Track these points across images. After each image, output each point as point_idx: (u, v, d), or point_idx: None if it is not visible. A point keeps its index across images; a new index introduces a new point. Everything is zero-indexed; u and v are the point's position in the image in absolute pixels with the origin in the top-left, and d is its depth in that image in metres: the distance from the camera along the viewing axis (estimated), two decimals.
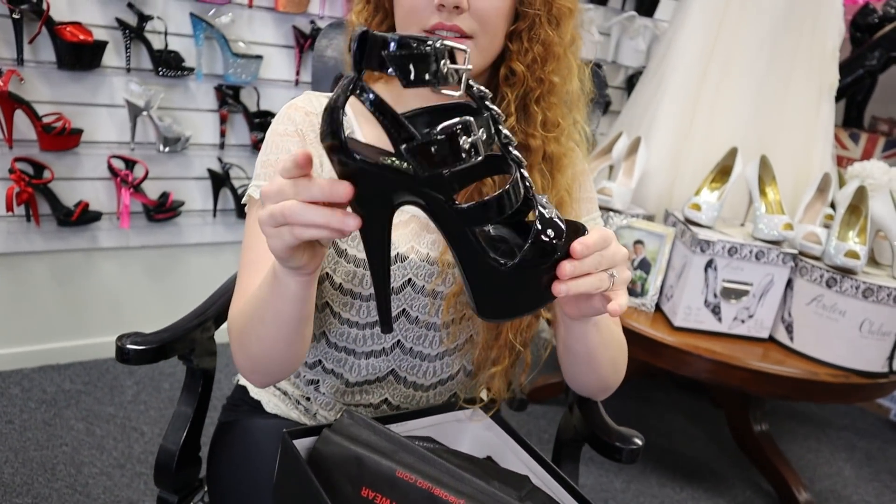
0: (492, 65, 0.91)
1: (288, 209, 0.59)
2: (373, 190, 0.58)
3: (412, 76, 0.54)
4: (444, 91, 0.56)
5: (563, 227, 0.64)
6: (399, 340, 0.96)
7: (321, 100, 0.96)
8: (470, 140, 0.55)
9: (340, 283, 0.92)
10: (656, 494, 2.18)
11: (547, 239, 0.62)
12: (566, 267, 0.64)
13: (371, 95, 0.56)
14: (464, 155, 0.56)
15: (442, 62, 0.55)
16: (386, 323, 0.67)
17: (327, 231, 0.59)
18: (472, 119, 0.56)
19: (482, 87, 0.60)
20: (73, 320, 2.35)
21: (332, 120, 0.56)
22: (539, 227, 0.62)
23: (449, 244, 0.63)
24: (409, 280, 0.92)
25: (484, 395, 1.03)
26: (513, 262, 0.62)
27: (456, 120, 0.56)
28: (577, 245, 0.64)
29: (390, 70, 0.53)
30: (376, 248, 0.62)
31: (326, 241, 0.67)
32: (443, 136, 0.55)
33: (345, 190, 0.57)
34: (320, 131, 0.57)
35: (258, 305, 0.78)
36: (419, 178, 0.57)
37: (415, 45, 0.54)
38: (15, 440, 1.95)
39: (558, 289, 0.64)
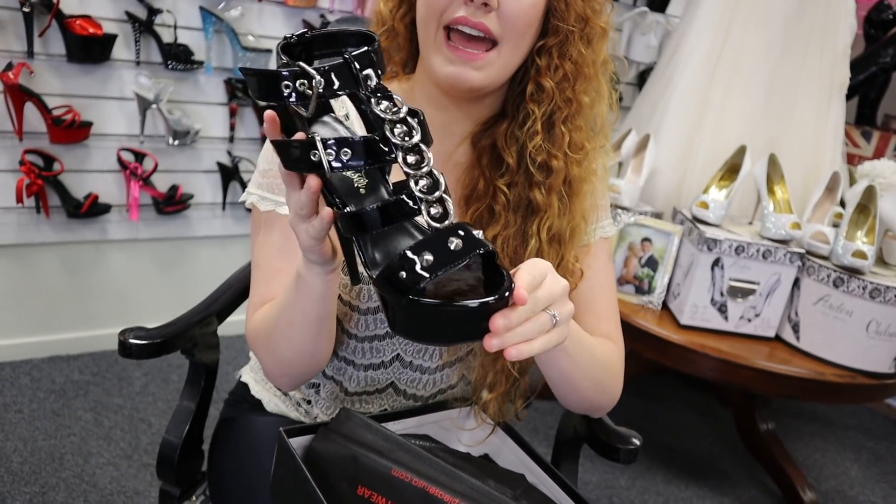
0: (512, 79, 0.89)
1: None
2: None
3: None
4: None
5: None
6: (398, 354, 0.96)
7: None
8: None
9: (340, 294, 0.92)
10: (661, 492, 2.18)
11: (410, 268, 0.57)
12: (499, 322, 0.58)
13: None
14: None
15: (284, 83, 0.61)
16: (354, 276, 0.74)
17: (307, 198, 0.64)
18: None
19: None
20: (82, 311, 2.37)
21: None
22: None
23: None
24: None
25: (483, 416, 1.00)
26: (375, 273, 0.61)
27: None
28: (517, 295, 0.59)
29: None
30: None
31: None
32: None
33: (315, 183, 0.63)
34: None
35: (285, 309, 0.81)
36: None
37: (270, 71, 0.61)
38: (24, 429, 1.97)
39: (490, 343, 0.59)
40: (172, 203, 2.31)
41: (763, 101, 2.17)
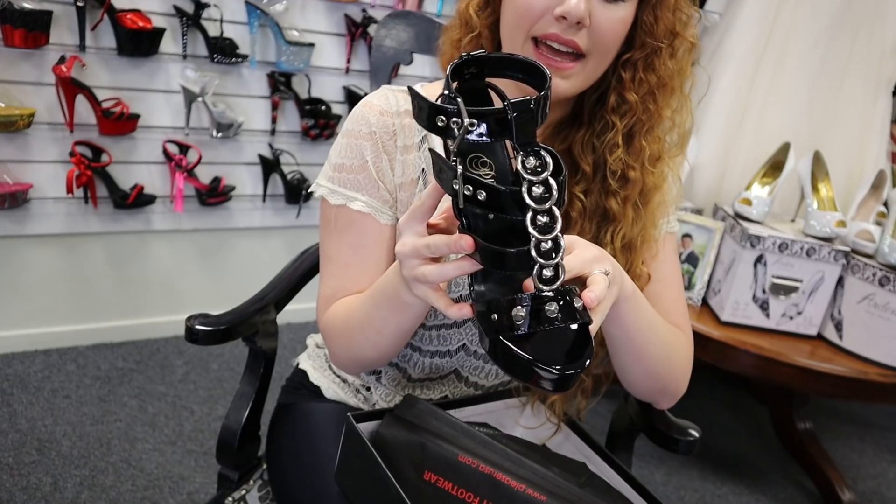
0: (588, 89, 0.88)
1: (427, 276, 0.67)
2: None
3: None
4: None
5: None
6: (465, 344, 0.97)
7: (398, 96, 0.92)
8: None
9: None
10: (697, 488, 2.18)
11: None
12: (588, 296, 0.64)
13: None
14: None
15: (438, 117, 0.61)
16: None
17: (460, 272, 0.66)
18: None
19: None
20: (127, 300, 2.41)
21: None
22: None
23: None
24: None
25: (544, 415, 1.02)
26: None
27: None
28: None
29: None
30: None
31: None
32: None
33: (467, 244, 0.61)
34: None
35: (376, 320, 0.82)
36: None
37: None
38: (72, 415, 2.01)
39: (589, 298, 0.64)
40: (215, 195, 2.35)
41: (807, 97, 2.15)
